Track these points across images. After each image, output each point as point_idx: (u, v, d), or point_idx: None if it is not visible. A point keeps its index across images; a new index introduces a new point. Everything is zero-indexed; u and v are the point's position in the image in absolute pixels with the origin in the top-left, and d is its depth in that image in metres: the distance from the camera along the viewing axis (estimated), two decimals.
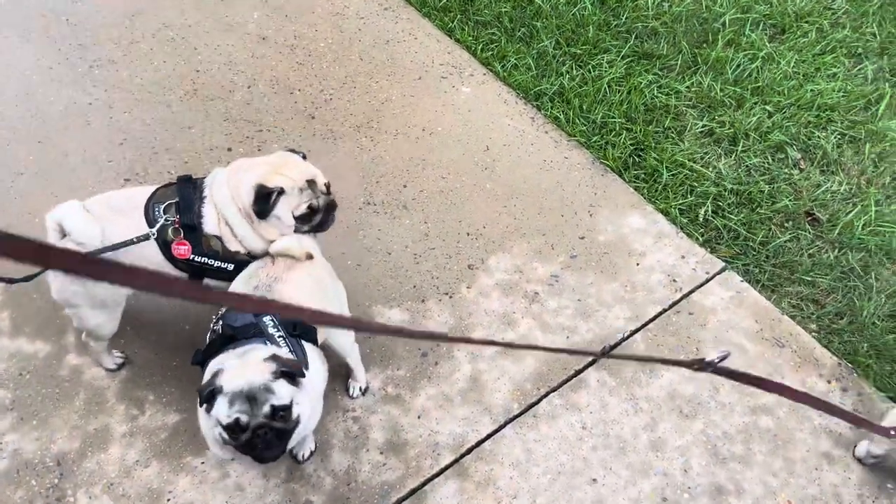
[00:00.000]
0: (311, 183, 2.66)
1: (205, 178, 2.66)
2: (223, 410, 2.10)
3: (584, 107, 3.98)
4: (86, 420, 2.77)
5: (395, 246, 3.39)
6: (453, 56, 4.25)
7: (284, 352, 2.28)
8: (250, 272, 2.54)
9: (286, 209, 2.59)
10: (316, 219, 2.70)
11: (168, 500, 2.60)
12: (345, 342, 2.77)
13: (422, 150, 3.77)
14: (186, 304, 2.85)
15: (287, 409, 2.15)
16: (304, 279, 2.52)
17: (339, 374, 2.94)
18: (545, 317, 3.18)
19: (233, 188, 2.57)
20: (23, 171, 3.49)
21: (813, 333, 3.16)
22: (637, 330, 3.14)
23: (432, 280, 3.28)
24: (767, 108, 4.01)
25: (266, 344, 2.27)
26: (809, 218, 3.57)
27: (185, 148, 3.65)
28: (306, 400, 2.24)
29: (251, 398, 2.10)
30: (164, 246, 2.53)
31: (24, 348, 2.91)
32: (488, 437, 2.83)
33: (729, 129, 3.91)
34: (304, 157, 2.77)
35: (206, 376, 2.21)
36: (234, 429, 2.10)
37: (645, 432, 2.85)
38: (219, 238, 2.57)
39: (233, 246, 2.60)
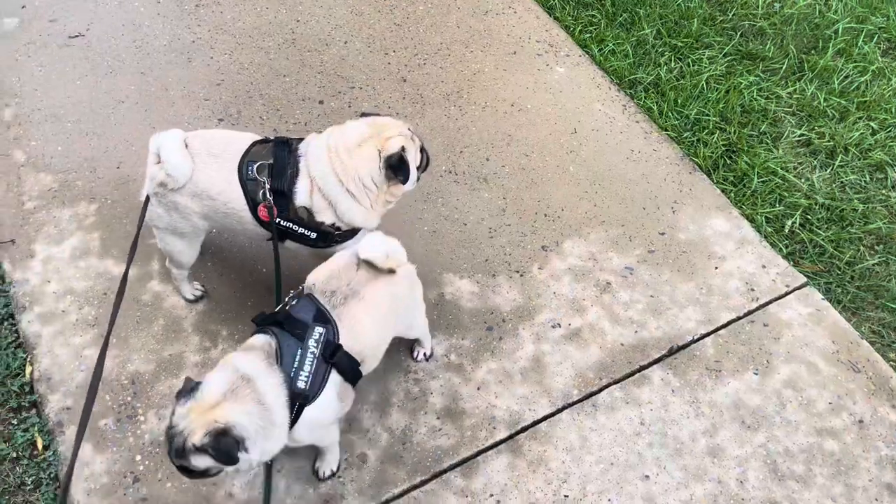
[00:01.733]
0: (410, 130, 2.72)
1: (300, 141, 2.67)
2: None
3: (679, 101, 3.88)
4: (162, 345, 2.88)
5: (472, 217, 3.39)
6: (551, 34, 4.18)
7: (302, 377, 2.21)
8: (333, 272, 2.43)
9: (413, 164, 2.67)
10: (424, 160, 2.78)
11: None
12: (420, 330, 2.83)
13: (509, 125, 3.75)
14: (266, 247, 2.91)
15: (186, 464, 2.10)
16: (382, 297, 2.43)
17: (402, 348, 2.98)
18: (615, 308, 3.15)
19: (343, 169, 2.56)
20: (124, 99, 3.60)
21: (891, 363, 3.05)
22: (708, 334, 3.09)
23: (505, 256, 3.28)
24: (872, 124, 3.84)
25: (297, 354, 2.22)
26: None
27: (278, 95, 3.71)
28: (305, 430, 2.26)
29: (171, 438, 2.08)
30: (252, 203, 2.58)
31: (111, 270, 3.03)
32: (545, 418, 2.83)
33: (828, 141, 3.76)
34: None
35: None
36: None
37: (704, 437, 2.81)
38: (307, 209, 2.61)
39: (322, 217, 2.62)
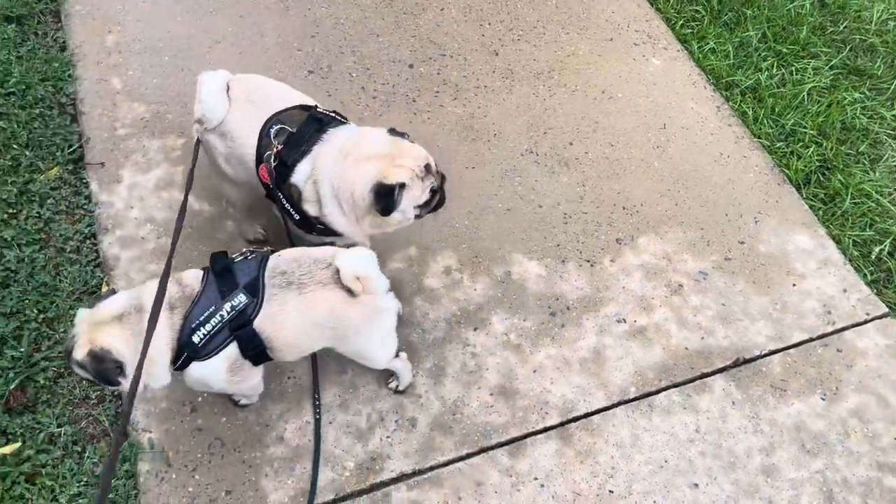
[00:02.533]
0: (427, 167, 2.54)
1: (336, 125, 2.57)
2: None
3: (777, 109, 3.74)
4: None
5: (548, 200, 3.34)
6: (650, 25, 4.07)
7: (200, 333, 2.20)
8: (302, 256, 2.33)
9: (409, 202, 2.51)
10: (434, 201, 2.62)
11: (288, 377, 2.75)
12: (378, 362, 2.61)
13: (596, 111, 3.67)
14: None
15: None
16: (322, 307, 2.29)
17: (470, 311, 2.98)
18: (684, 311, 3.08)
19: (340, 177, 2.47)
20: (220, 39, 3.65)
21: None
22: (777, 351, 2.99)
23: (577, 243, 3.23)
24: None
25: (210, 310, 2.21)
26: None
27: (369, 54, 3.71)
28: (190, 380, 2.31)
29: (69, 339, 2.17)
30: (258, 160, 2.55)
31: (191, 204, 3.09)
32: (598, 411, 2.80)
33: None
34: (407, 137, 2.61)
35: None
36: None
37: (760, 454, 2.74)
38: (299, 192, 2.54)
39: (307, 207, 2.55)
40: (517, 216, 3.28)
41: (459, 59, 3.76)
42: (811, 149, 3.60)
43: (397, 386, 2.76)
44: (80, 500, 2.41)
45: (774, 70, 3.91)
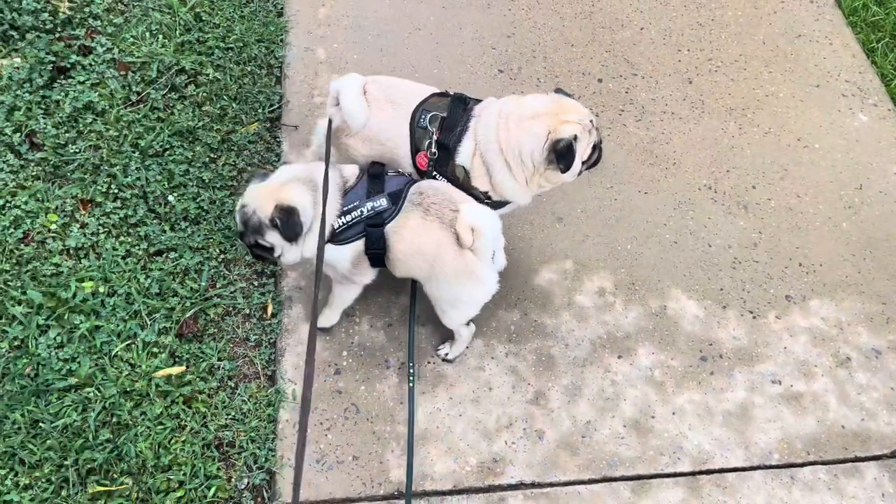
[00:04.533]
0: (591, 122, 2.56)
1: (477, 102, 2.62)
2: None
3: None
4: None
5: (719, 241, 3.20)
6: (863, 77, 3.79)
7: (342, 220, 2.45)
8: (445, 191, 2.50)
9: (578, 157, 2.52)
10: (594, 157, 2.63)
11: (428, 362, 2.81)
12: (450, 321, 2.68)
13: (787, 159, 3.47)
14: None
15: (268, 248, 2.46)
16: (430, 234, 2.44)
17: (617, 337, 2.92)
18: (847, 387, 2.86)
19: (506, 137, 2.50)
20: (421, 27, 3.78)
21: None
22: None
23: (742, 292, 3.07)
24: None
25: (360, 201, 2.46)
26: None
27: (560, 63, 3.71)
28: (289, 250, 2.48)
29: (245, 216, 2.43)
30: (414, 149, 2.58)
31: None
32: (735, 469, 2.66)
33: None
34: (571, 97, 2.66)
35: None
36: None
37: None
38: (465, 170, 2.57)
39: (477, 183, 2.57)
40: (683, 251, 3.17)
41: (650, 81, 3.68)
42: None
43: (447, 354, 2.81)
44: (226, 432, 2.60)
45: None
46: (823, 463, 2.69)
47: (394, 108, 2.59)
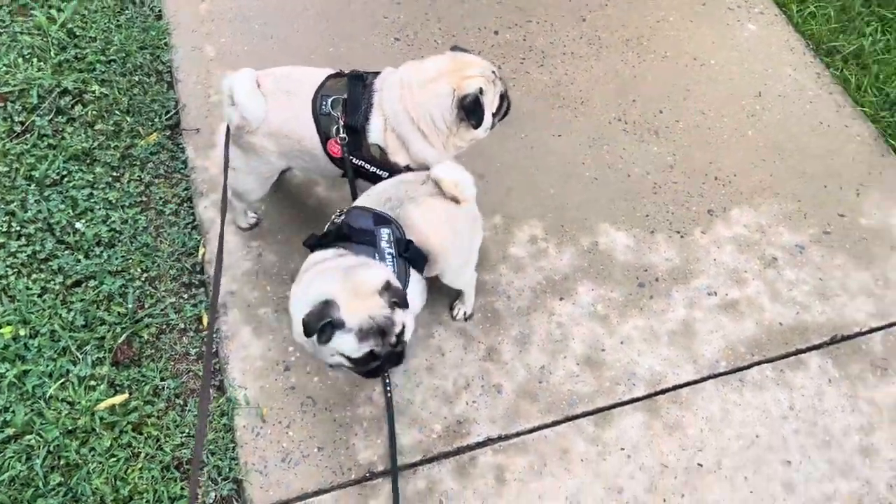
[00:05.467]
0: (494, 73, 2.53)
1: (376, 76, 2.54)
2: (351, 345, 2.08)
3: (882, 76, 3.54)
4: None
5: (637, 170, 3.27)
6: None
7: (390, 272, 2.21)
8: (392, 184, 2.44)
9: (488, 110, 2.50)
10: (504, 108, 2.60)
11: None
12: (465, 280, 2.70)
13: (687, 79, 3.55)
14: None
15: (403, 334, 2.17)
16: (438, 209, 2.39)
17: (555, 280, 2.96)
18: (778, 285, 2.98)
19: (413, 105, 2.44)
20: (308, 7, 3.69)
21: None
22: (878, 328, 2.87)
23: (666, 214, 3.15)
24: None
25: (376, 259, 2.22)
26: None
27: (454, 21, 3.68)
28: (410, 320, 2.25)
29: (381, 331, 2.09)
30: (324, 138, 2.49)
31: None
32: (688, 384, 2.75)
33: None
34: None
35: (311, 295, 2.11)
36: (365, 359, 2.13)
37: (857, 434, 2.64)
38: (380, 148, 2.50)
39: (397, 158, 2.51)
40: (604, 185, 3.22)
41: (546, 26, 3.70)
42: None
43: (465, 312, 2.82)
44: (184, 451, 2.53)
45: (879, 35, 3.70)
46: (768, 361, 2.80)
47: (291, 99, 2.50)
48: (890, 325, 2.88)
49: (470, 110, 2.43)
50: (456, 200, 2.40)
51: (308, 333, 2.06)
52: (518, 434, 2.63)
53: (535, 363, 2.78)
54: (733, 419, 2.67)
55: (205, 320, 2.81)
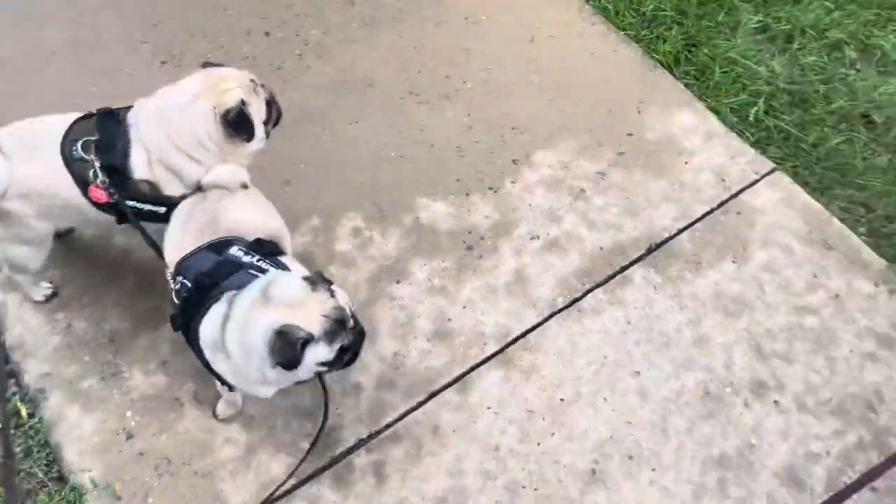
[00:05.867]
0: (253, 81, 2.44)
1: (129, 109, 2.39)
2: (324, 351, 2.02)
3: None
4: (136, 300, 2.79)
5: (438, 138, 3.31)
6: None
7: (276, 273, 2.14)
8: (185, 214, 2.34)
9: (258, 120, 2.40)
10: (273, 115, 2.51)
11: None
12: None
13: (464, 39, 3.63)
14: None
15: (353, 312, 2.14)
16: (245, 201, 2.38)
17: (388, 265, 2.95)
18: (591, 214, 3.14)
19: (176, 132, 2.30)
20: (55, 51, 3.39)
21: (862, 237, 3.11)
22: (684, 229, 3.10)
23: (476, 174, 3.22)
24: (827, 3, 3.81)
25: (253, 274, 2.12)
26: (864, 120, 3.46)
27: (221, 31, 3.53)
28: (344, 293, 2.22)
29: (340, 322, 2.03)
30: (83, 185, 2.30)
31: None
32: (533, 328, 2.85)
33: (785, 25, 3.73)
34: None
35: (254, 337, 2.00)
36: (339, 356, 2.07)
37: (689, 329, 2.86)
38: (149, 183, 2.34)
39: (170, 190, 2.36)
40: (412, 161, 3.24)
41: (315, 16, 3.63)
42: (674, 30, 3.68)
43: None
44: None
45: None
46: (598, 286, 2.96)
47: (36, 152, 2.27)
48: (693, 223, 3.12)
49: (236, 124, 2.32)
50: (245, 186, 2.39)
51: (293, 366, 1.98)
52: (387, 426, 2.61)
53: (387, 352, 2.76)
54: (581, 348, 2.80)
55: (23, 412, 2.54)
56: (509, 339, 2.82)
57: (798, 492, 2.53)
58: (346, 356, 2.10)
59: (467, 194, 3.16)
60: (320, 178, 3.15)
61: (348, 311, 2.10)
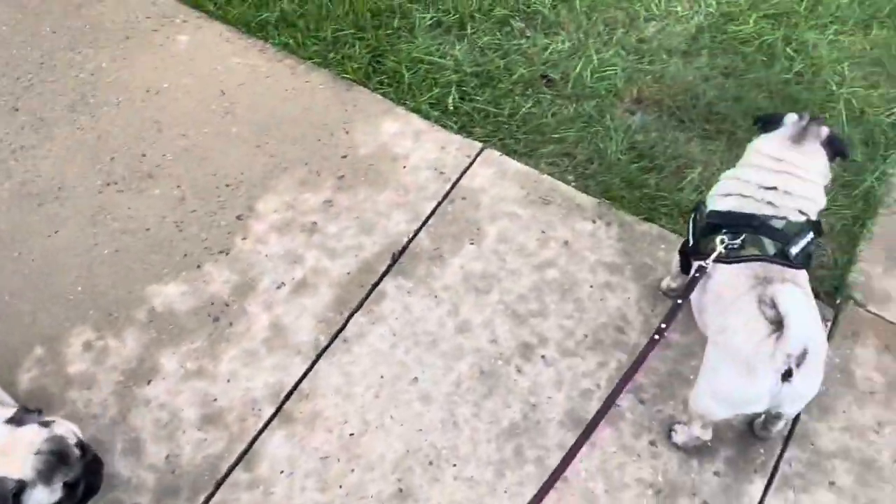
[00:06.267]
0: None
1: None
2: (45, 496, 1.86)
3: (312, 27, 3.85)
4: None
5: (152, 219, 3.14)
6: (159, 6, 3.90)
7: None
8: None
9: None
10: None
11: None
12: None
13: (151, 111, 3.48)
14: None
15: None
16: None
17: (133, 368, 2.75)
18: (329, 244, 3.14)
19: None
20: None
21: (572, 183, 3.39)
22: (420, 229, 3.20)
23: (202, 243, 3.10)
24: None
25: None
26: (544, 80, 3.78)
27: None
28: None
29: (60, 456, 1.88)
30: None
31: None
32: (304, 375, 2.79)
33: (454, 15, 3.97)
34: None
35: None
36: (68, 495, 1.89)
37: (450, 319, 2.95)
38: None
39: None
40: (129, 252, 3.04)
41: None
42: (357, 46, 3.78)
43: None
44: None
45: None
46: (356, 310, 2.95)
47: None
48: (426, 221, 3.22)
49: None
50: None
51: None
52: None
53: (158, 459, 2.57)
54: (356, 377, 2.79)
55: None
56: (283, 395, 2.74)
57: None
58: (78, 491, 1.91)
59: (199, 266, 3.03)
60: (31, 303, 2.86)
61: (71, 441, 1.91)
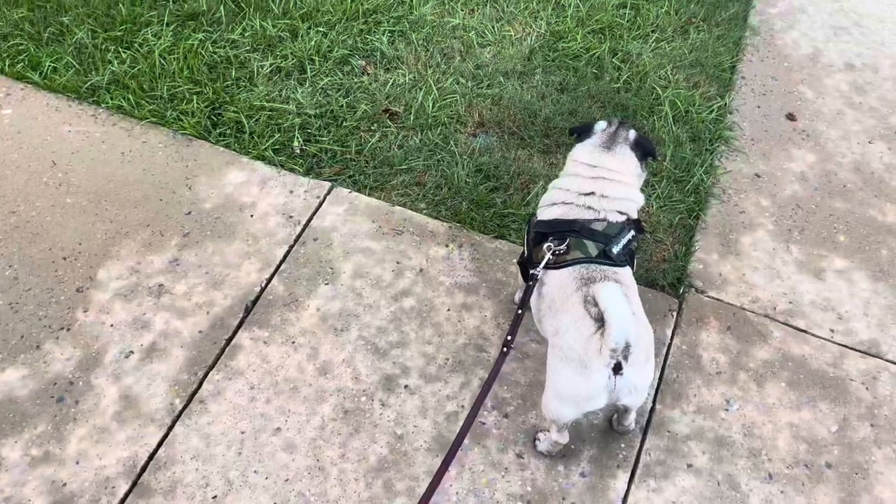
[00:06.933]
0: None
1: None
2: None
3: (146, 86, 3.78)
4: None
5: None
6: None
7: None
8: None
9: None
10: None
11: None
12: None
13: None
14: None
15: None
16: None
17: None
18: (178, 303, 3.05)
19: None
20: None
21: (423, 211, 3.45)
22: (272, 276, 3.16)
23: (40, 321, 2.94)
24: (321, 29, 4.17)
25: None
26: (388, 114, 3.85)
27: None
28: None
29: None
30: None
31: None
32: (160, 444, 2.68)
33: (293, 60, 4.00)
34: None
35: None
36: None
37: (309, 363, 2.92)
38: None
39: None
40: None
41: None
42: (194, 101, 3.74)
43: None
44: None
45: (122, 55, 3.92)
46: (211, 368, 2.86)
47: None
48: (278, 267, 3.20)
49: None
50: None
51: None
52: None
53: None
54: (215, 437, 2.70)
55: None
56: (139, 468, 2.61)
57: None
58: None
59: (38, 347, 2.87)
60: None
61: None
